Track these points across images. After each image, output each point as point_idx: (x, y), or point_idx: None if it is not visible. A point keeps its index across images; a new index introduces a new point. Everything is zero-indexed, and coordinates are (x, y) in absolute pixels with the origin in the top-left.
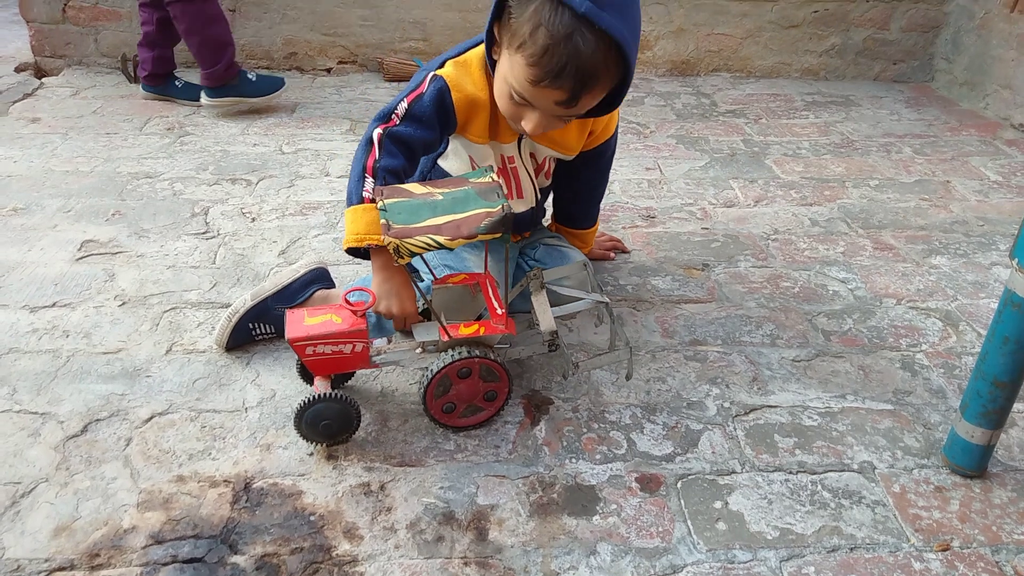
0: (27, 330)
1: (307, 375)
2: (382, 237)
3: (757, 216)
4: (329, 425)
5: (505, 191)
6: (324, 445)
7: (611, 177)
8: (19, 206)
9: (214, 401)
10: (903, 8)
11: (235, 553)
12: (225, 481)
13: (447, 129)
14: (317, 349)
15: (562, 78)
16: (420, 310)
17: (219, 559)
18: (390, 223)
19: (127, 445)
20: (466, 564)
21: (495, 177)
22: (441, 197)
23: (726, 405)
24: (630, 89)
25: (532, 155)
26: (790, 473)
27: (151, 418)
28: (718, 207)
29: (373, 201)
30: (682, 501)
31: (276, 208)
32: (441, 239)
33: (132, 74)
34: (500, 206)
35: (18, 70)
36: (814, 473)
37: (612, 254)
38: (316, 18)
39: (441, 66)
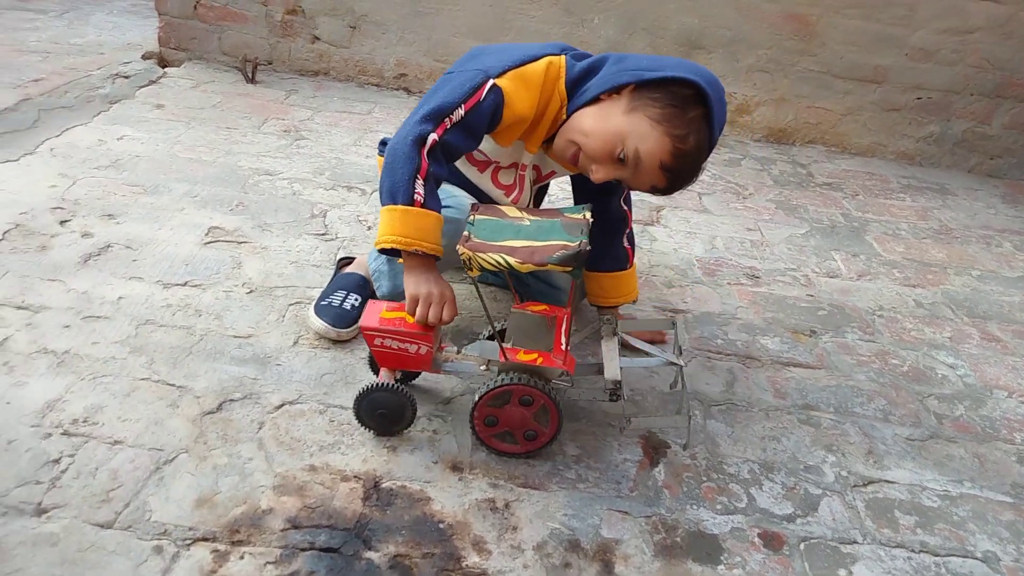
0: (161, 304)
1: (375, 366)
2: (458, 247)
3: (861, 290)
4: (385, 415)
5: (588, 228)
6: (389, 435)
7: (714, 232)
8: (148, 186)
9: (341, 397)
10: (1007, 105)
11: (369, 549)
12: (355, 477)
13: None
14: (385, 342)
15: (678, 177)
16: (488, 335)
17: (354, 552)
18: (471, 236)
19: (260, 428)
20: None
21: (588, 215)
22: (528, 223)
23: (843, 474)
24: (727, 150)
25: (536, 167)
26: (912, 551)
27: (282, 405)
28: (821, 276)
29: (423, 205)
30: (806, 564)
31: None
32: (513, 261)
33: (251, 75)
34: (578, 242)
35: (144, 58)
36: (937, 555)
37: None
38: (431, 44)
39: (501, 74)
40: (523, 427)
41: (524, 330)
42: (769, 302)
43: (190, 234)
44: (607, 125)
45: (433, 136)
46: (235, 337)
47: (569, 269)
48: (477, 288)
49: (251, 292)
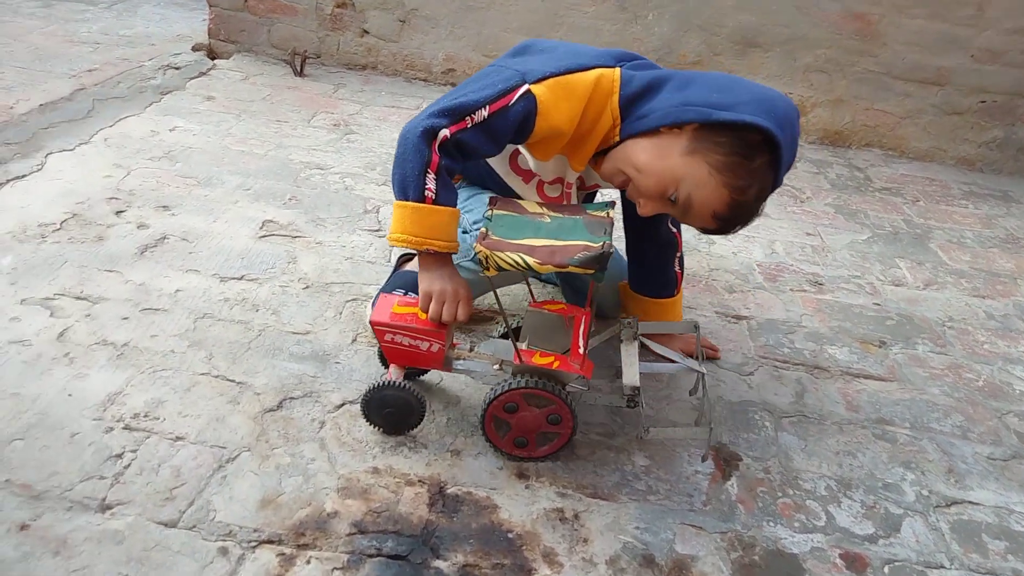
0: (219, 298)
1: (385, 361)
2: (474, 245)
3: (928, 300)
4: (392, 414)
5: (612, 227)
6: (395, 435)
7: (773, 237)
8: (201, 177)
9: None
10: None
11: (437, 557)
12: (420, 481)
13: (513, 142)
14: (396, 338)
15: (732, 224)
16: (500, 334)
17: (423, 560)
18: (489, 233)
19: (321, 428)
20: None
21: (611, 214)
22: (549, 220)
23: (924, 493)
24: None
25: (581, 178)
26: None
27: (342, 405)
28: (886, 284)
29: (435, 201)
30: None
31: None
32: (532, 261)
33: (299, 68)
34: (601, 243)
35: (194, 49)
36: None
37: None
38: (481, 39)
39: (539, 80)
40: (539, 421)
41: (540, 330)
42: (835, 310)
43: (245, 227)
44: (663, 163)
45: (445, 132)
46: (293, 333)
47: (591, 271)
48: (491, 283)
49: (307, 288)
